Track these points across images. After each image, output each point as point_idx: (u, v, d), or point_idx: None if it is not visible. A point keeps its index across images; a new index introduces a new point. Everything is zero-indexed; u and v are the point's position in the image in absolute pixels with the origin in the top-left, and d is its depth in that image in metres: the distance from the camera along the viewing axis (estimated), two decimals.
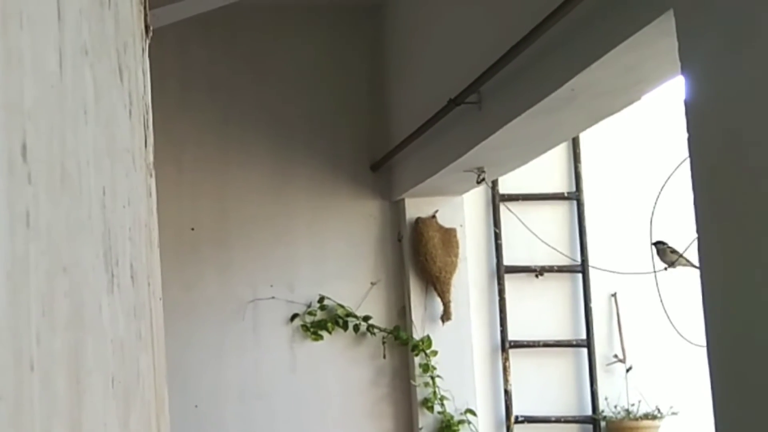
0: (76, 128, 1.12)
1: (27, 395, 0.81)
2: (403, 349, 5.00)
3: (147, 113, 1.74)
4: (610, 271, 4.89)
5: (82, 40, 1.20)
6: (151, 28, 2.02)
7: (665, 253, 4.41)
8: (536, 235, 4.84)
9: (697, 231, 2.14)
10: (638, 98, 3.21)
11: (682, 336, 4.27)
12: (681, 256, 4.27)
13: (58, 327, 0.94)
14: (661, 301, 4.30)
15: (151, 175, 1.69)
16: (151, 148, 1.72)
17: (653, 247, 4.49)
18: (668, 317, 4.33)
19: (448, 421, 4.82)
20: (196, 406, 4.83)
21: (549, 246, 4.93)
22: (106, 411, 1.18)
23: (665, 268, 4.40)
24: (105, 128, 1.29)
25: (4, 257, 0.76)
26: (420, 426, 4.87)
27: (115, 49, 1.47)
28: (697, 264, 2.15)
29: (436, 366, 4.86)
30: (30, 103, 0.89)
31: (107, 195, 1.25)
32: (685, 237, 4.16)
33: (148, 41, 1.98)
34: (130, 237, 1.39)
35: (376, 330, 4.99)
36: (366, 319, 4.98)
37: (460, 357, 4.92)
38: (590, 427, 4.99)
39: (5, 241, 0.77)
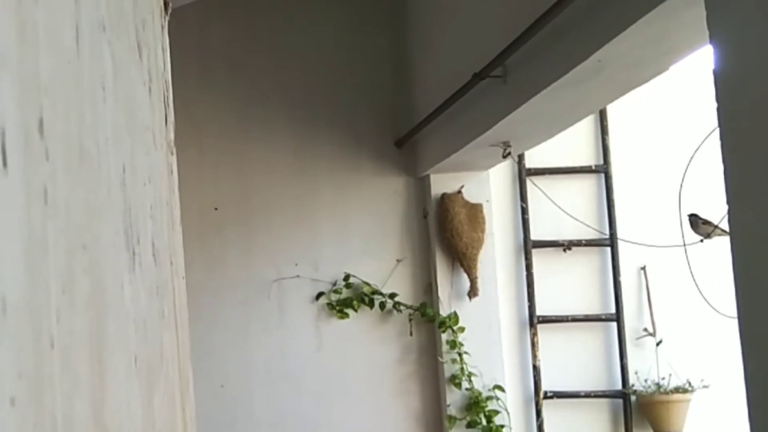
0: (95, 105, 1.10)
1: (47, 373, 0.80)
2: (430, 326, 4.99)
3: (167, 91, 1.73)
4: (640, 244, 4.85)
5: (100, 15, 1.18)
6: (170, 5, 2.00)
7: (698, 225, 4.36)
8: (564, 210, 4.79)
9: (728, 202, 2.11)
10: (666, 69, 3.16)
11: (713, 308, 4.23)
12: (716, 227, 4.22)
13: (79, 305, 0.93)
14: (692, 273, 4.25)
15: (172, 153, 1.68)
16: (171, 126, 1.70)
17: (687, 219, 4.44)
18: (699, 289, 4.28)
19: (476, 397, 4.81)
20: (222, 386, 4.85)
21: (577, 220, 4.88)
22: (129, 390, 1.18)
23: (701, 240, 4.34)
24: (124, 105, 1.28)
25: (22, 234, 0.75)
26: (448, 403, 4.87)
27: (133, 26, 1.46)
28: None
29: (464, 342, 4.85)
30: (46, 79, 0.88)
31: (127, 172, 1.24)
32: (715, 208, 4.11)
33: (167, 18, 1.97)
34: (152, 215, 1.38)
35: (402, 307, 4.98)
36: (392, 296, 4.97)
37: (487, 333, 4.90)
38: (620, 401, 4.96)
39: (23, 217, 0.76)
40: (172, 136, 1.69)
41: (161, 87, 1.61)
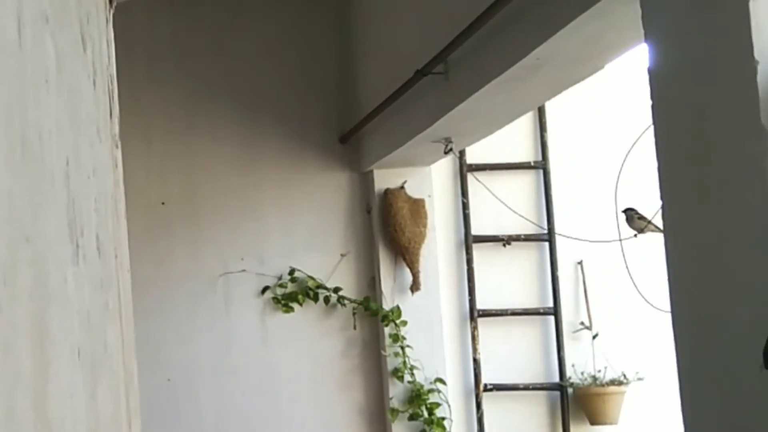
0: (38, 97, 1.11)
1: None
2: (373, 320, 5.02)
3: (112, 84, 1.72)
4: (577, 239, 4.93)
5: (42, 8, 1.19)
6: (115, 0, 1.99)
7: (633, 219, 4.44)
8: (505, 204, 4.85)
9: (661, 197, 2.16)
10: (602, 67, 3.22)
11: (647, 302, 4.31)
12: (650, 222, 4.31)
13: (21, 296, 0.94)
14: (627, 267, 4.34)
15: (117, 147, 1.68)
16: (116, 120, 1.70)
17: (623, 214, 4.53)
18: (634, 284, 4.37)
19: (418, 390, 4.86)
20: (168, 380, 4.83)
21: (517, 213, 4.95)
22: (72, 382, 1.18)
23: (635, 235, 4.43)
24: (68, 98, 1.28)
25: None
26: (390, 396, 4.90)
27: (77, 19, 1.45)
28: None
29: (406, 336, 4.89)
30: None
31: (71, 165, 1.24)
32: (651, 204, 4.20)
33: (111, 12, 1.96)
34: (96, 208, 1.38)
35: (346, 301, 5.00)
36: (336, 290, 4.99)
37: (429, 327, 4.95)
38: (557, 393, 5.04)
39: None
40: (117, 129, 1.68)
41: (106, 80, 1.61)
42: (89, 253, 1.31)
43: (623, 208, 4.52)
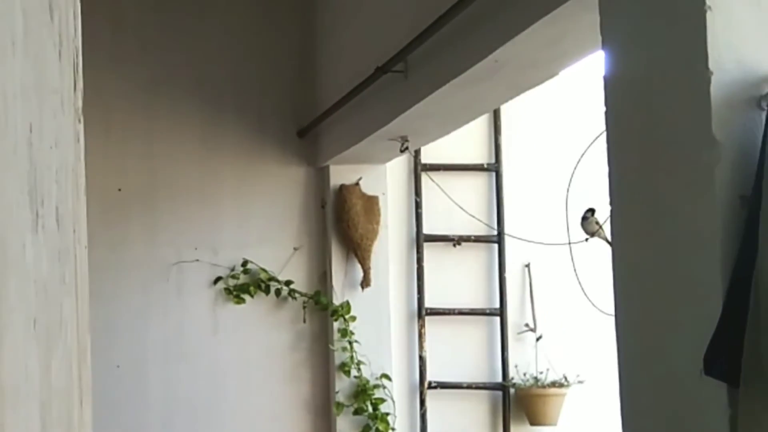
0: (4, 59, 1.10)
1: None
2: (323, 314, 5.04)
3: (77, 57, 1.71)
4: (526, 240, 4.97)
5: None
6: None
7: (590, 222, 4.47)
8: (458, 204, 4.90)
9: (611, 204, 2.17)
10: (557, 73, 3.27)
11: (593, 304, 4.36)
12: (600, 227, 4.36)
13: None
14: (575, 270, 4.39)
15: (79, 121, 1.67)
16: (80, 93, 1.69)
17: (585, 212, 4.55)
18: (581, 286, 4.41)
19: (364, 385, 4.89)
20: (117, 366, 4.80)
21: (469, 214, 4.99)
22: (27, 352, 1.17)
23: (586, 239, 4.47)
24: (33, 64, 1.27)
25: None
26: (336, 390, 4.93)
27: None
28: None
29: (354, 331, 4.92)
30: None
31: (34, 133, 1.23)
32: (601, 210, 4.25)
33: None
34: (57, 180, 1.38)
35: (297, 294, 5.01)
36: (288, 283, 5.00)
37: (377, 323, 4.98)
38: (500, 393, 5.09)
39: None
40: (80, 103, 1.67)
41: (71, 52, 1.60)
42: (48, 223, 1.31)
43: (587, 208, 4.52)
